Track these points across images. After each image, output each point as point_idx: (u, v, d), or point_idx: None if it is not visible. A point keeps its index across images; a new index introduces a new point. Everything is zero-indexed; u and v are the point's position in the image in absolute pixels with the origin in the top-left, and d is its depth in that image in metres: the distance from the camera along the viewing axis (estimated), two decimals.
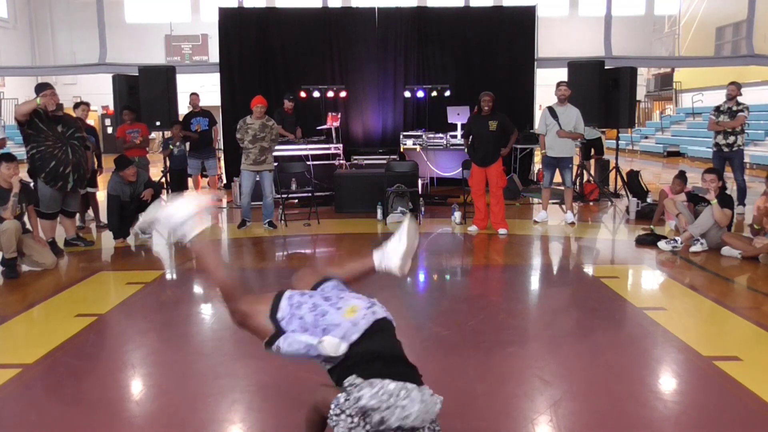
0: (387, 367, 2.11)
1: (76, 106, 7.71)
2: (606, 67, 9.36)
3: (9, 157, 5.41)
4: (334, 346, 2.13)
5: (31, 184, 5.89)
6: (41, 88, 5.83)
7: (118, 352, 3.71)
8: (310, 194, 8.07)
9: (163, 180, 8.83)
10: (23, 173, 5.69)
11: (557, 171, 7.75)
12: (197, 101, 9.38)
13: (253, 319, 2.30)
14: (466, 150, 7.38)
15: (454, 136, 10.15)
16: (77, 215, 6.83)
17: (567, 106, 7.53)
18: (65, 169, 5.90)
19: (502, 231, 6.96)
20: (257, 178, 7.41)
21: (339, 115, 9.85)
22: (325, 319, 2.17)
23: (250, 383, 3.22)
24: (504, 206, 7.12)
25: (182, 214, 2.45)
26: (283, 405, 2.96)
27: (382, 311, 2.28)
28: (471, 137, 7.11)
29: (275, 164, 8.61)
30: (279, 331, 2.22)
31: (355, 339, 2.14)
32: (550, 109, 7.59)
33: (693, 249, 6.02)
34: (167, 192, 8.67)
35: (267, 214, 7.49)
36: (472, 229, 7.11)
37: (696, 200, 6.50)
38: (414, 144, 10.19)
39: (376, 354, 2.15)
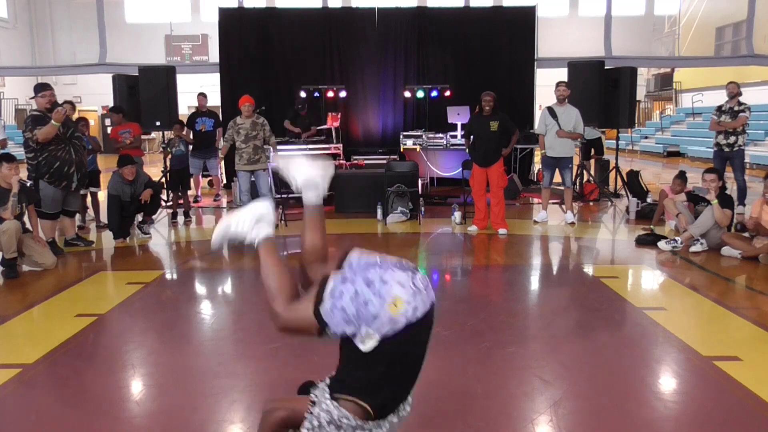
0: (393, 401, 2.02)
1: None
2: (606, 67, 9.35)
3: (9, 158, 5.42)
4: (369, 340, 1.96)
5: (29, 184, 5.88)
6: (40, 88, 5.90)
7: (118, 352, 3.71)
8: None
9: (163, 180, 8.83)
10: (23, 173, 5.69)
11: (557, 171, 7.75)
12: (204, 102, 9.46)
13: (298, 321, 2.06)
14: (467, 150, 7.37)
15: (454, 136, 10.14)
16: (77, 215, 6.84)
17: (566, 106, 7.53)
18: (69, 168, 5.95)
19: (502, 231, 6.95)
20: (252, 179, 7.46)
21: (339, 115, 9.86)
22: (368, 309, 1.96)
23: (250, 383, 3.22)
24: (504, 206, 7.12)
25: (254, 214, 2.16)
26: None
27: (426, 303, 1.98)
28: (472, 137, 7.11)
29: (275, 164, 8.63)
30: (321, 326, 1.99)
31: (387, 336, 1.95)
32: (550, 109, 7.59)
33: (693, 249, 6.02)
34: (167, 192, 8.67)
35: None
36: (472, 229, 7.11)
37: (696, 200, 6.49)
38: (414, 144, 10.18)
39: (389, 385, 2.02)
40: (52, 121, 5.70)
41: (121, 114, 8.20)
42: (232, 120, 7.43)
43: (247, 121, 7.30)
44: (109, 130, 8.71)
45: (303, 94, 10.33)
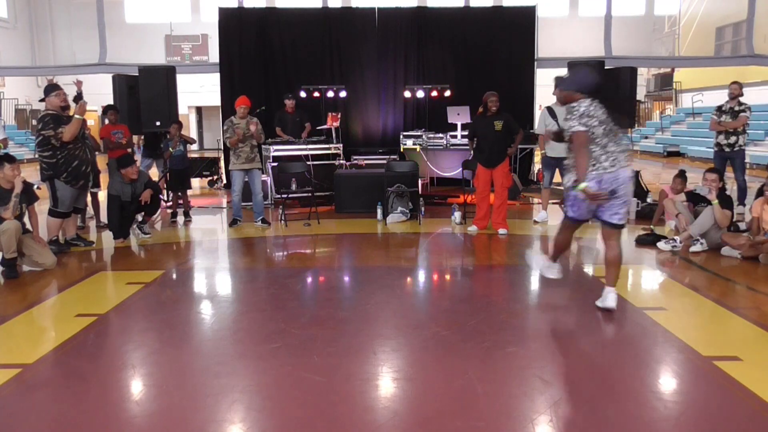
0: None
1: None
2: (606, 67, 9.35)
3: (10, 158, 5.44)
4: None
5: (35, 186, 5.89)
6: (52, 88, 5.97)
7: (118, 352, 3.71)
8: (310, 194, 8.08)
9: (163, 180, 8.83)
10: (26, 174, 5.69)
11: (557, 171, 7.75)
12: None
13: None
14: (471, 152, 7.36)
15: (454, 136, 10.14)
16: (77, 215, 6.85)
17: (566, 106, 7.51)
18: (87, 167, 6.07)
19: (502, 231, 6.95)
20: (246, 179, 7.54)
21: (339, 115, 9.86)
22: None
23: (250, 383, 3.22)
24: (507, 207, 7.11)
25: None
26: (283, 405, 2.96)
27: None
28: (476, 138, 7.08)
29: (275, 164, 8.65)
30: None
31: None
32: (549, 109, 7.57)
33: (693, 249, 6.02)
34: (167, 192, 8.67)
35: (258, 212, 7.69)
36: (472, 229, 7.11)
37: (696, 200, 6.50)
38: (414, 144, 10.19)
39: None
40: (76, 116, 5.77)
41: (119, 114, 8.23)
42: (228, 120, 7.59)
43: (242, 121, 7.46)
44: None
45: (303, 94, 10.32)
